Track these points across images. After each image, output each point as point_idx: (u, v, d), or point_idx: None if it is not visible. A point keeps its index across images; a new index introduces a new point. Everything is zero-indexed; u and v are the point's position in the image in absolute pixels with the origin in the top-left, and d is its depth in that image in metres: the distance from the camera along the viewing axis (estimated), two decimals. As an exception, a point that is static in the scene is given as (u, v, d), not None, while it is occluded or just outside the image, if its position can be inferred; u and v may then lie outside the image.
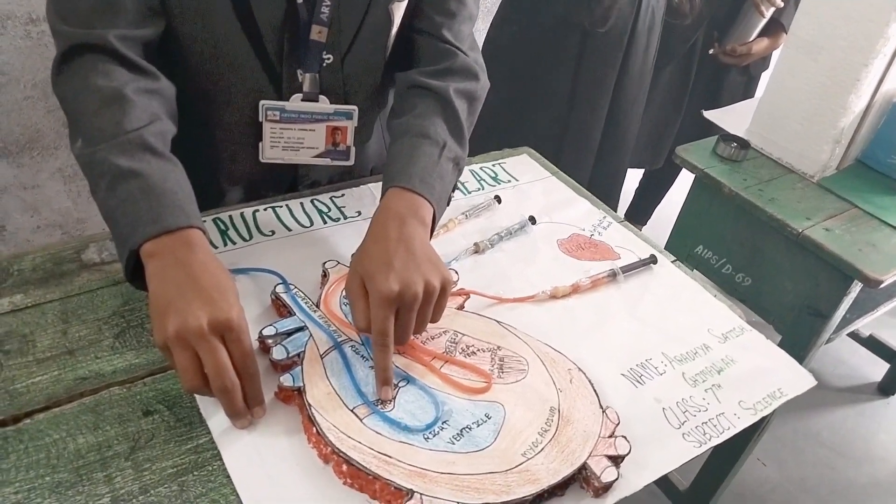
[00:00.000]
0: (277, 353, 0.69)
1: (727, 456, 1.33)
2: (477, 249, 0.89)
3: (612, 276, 0.88)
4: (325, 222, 0.91)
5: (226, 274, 0.65)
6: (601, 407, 0.69)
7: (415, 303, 0.66)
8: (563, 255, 0.92)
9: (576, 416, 0.68)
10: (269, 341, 0.71)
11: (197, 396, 0.66)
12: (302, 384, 0.66)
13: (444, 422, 0.65)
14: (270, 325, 0.72)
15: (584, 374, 0.73)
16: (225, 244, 0.85)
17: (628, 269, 0.89)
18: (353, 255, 0.72)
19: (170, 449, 0.62)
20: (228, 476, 0.61)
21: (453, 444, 0.63)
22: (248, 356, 0.62)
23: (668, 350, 0.80)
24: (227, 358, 0.60)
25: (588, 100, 1.58)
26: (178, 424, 0.64)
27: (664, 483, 1.46)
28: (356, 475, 0.60)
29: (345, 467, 0.61)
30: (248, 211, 0.90)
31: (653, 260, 0.91)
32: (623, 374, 0.76)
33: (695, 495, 1.41)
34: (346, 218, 0.92)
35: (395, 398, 0.67)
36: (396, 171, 0.76)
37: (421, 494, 0.59)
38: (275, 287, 0.77)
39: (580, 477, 0.63)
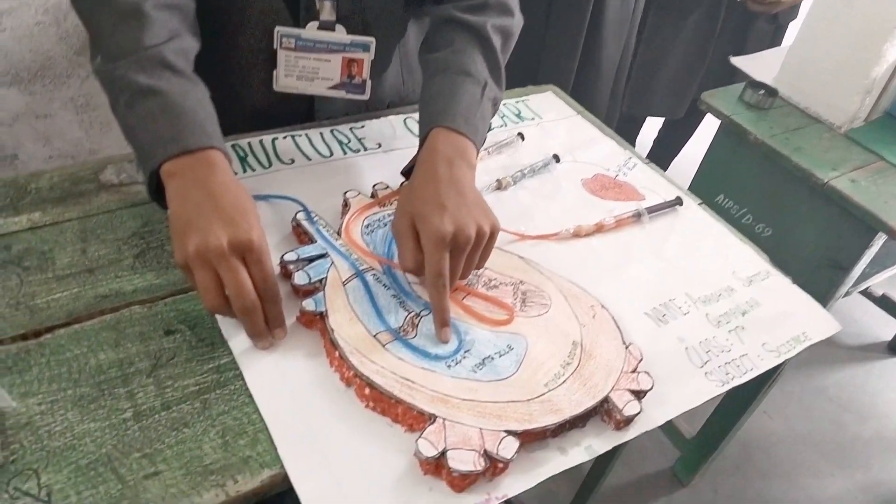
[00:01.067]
0: (299, 279, 0.68)
1: (734, 407, 1.34)
2: (499, 186, 0.88)
3: (637, 216, 0.86)
4: (344, 153, 0.89)
5: (247, 196, 0.64)
6: (624, 343, 0.69)
7: (467, 246, 0.65)
8: (587, 194, 0.90)
9: (598, 350, 0.67)
10: (291, 266, 0.70)
11: (218, 318, 0.66)
12: (324, 309, 0.66)
13: (467, 351, 0.65)
14: (292, 250, 0.71)
15: (608, 310, 0.72)
16: (244, 171, 0.84)
17: (653, 209, 0.88)
18: (400, 192, 0.69)
19: (192, 367, 0.62)
20: (250, 395, 0.60)
21: (475, 372, 0.63)
22: (268, 277, 0.61)
23: (692, 291, 0.79)
24: (247, 278, 0.59)
25: (559, 41, 1.55)
26: (200, 344, 0.64)
27: (671, 431, 1.47)
28: (378, 399, 0.60)
29: (367, 391, 0.61)
30: (267, 138, 0.88)
31: (678, 201, 0.90)
32: (646, 314, 0.75)
33: (701, 444, 1.41)
34: (366, 150, 0.90)
35: (416, 326, 0.67)
36: (439, 111, 0.74)
37: (443, 419, 0.58)
38: (296, 214, 0.76)
39: (602, 409, 0.63)
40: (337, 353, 0.63)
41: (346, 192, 0.79)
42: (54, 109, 1.66)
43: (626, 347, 0.68)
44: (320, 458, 0.56)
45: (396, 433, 0.60)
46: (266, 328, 0.62)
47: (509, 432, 0.58)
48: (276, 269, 0.71)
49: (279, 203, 0.79)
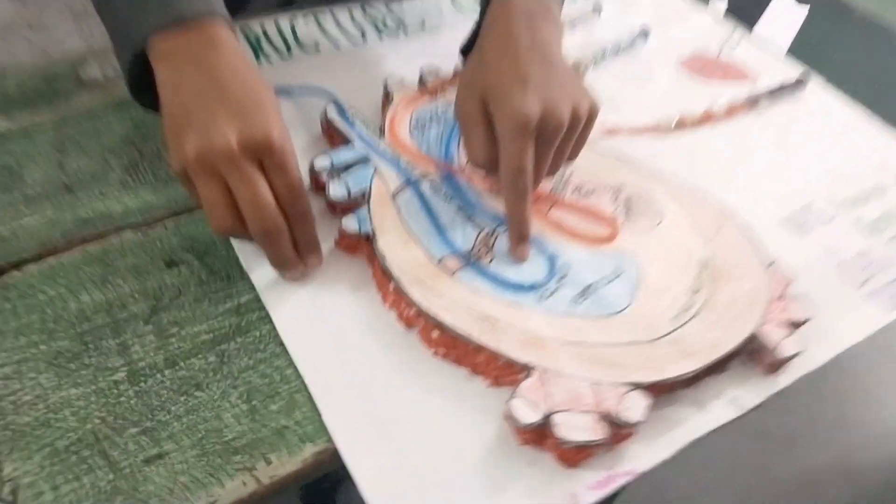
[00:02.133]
0: (336, 191, 0.52)
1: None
2: (577, 68, 0.70)
3: (753, 101, 0.68)
4: (380, 36, 0.71)
5: (261, 80, 0.48)
6: (764, 261, 0.52)
7: (558, 133, 0.48)
8: (687, 75, 0.72)
9: (733, 272, 0.51)
10: (324, 176, 0.54)
11: (235, 244, 0.51)
12: (371, 229, 0.50)
13: (562, 277, 0.49)
14: (323, 153, 0.54)
15: (737, 220, 0.55)
16: (259, 61, 0.66)
17: (773, 92, 0.69)
18: (462, 66, 0.52)
19: (203, 309, 0.47)
20: (282, 344, 0.45)
21: (577, 305, 0.47)
22: (295, 186, 0.45)
23: (834, 191, 0.62)
24: (267, 189, 0.44)
25: None
26: (213, 279, 0.49)
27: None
28: (452, 344, 0.45)
29: (436, 334, 0.45)
30: (284, 21, 0.71)
31: (802, 83, 0.71)
32: (782, 222, 0.58)
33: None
34: (406, 31, 0.72)
35: (492, 247, 0.51)
36: None
37: (542, 369, 0.43)
38: (325, 109, 0.59)
39: (747, 350, 0.47)
40: (391, 286, 0.47)
41: (387, 80, 0.62)
42: (49, 18, 1.49)
43: (769, 267, 0.51)
44: (379, 425, 0.42)
45: (478, 389, 0.45)
46: (295, 254, 0.47)
47: (633, 385, 0.43)
48: (305, 181, 0.55)
49: (303, 99, 0.62)
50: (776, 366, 0.47)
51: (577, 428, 0.41)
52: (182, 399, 0.42)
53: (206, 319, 0.47)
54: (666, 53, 0.75)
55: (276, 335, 0.46)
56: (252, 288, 0.48)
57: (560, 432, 0.40)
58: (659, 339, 0.46)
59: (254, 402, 0.43)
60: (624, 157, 0.60)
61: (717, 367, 0.46)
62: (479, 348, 0.44)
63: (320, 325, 0.47)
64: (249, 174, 0.43)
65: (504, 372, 0.44)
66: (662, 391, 0.45)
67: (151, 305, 0.47)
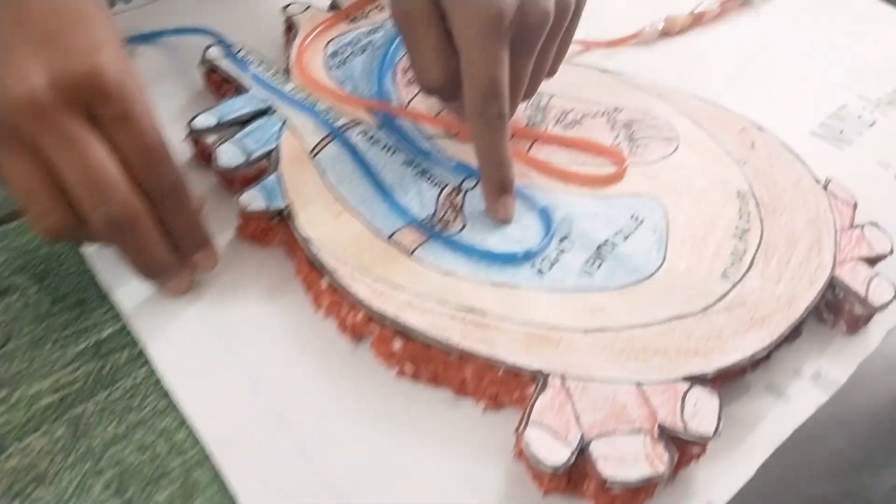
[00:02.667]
0: (228, 156, 0.37)
1: None
2: (527, -23, 0.55)
3: (747, -7, 0.55)
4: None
5: (90, 1, 0.32)
6: (818, 180, 0.39)
7: (542, 29, 0.33)
8: (659, -26, 0.58)
9: (783, 200, 0.38)
10: (210, 139, 0.38)
11: (87, 251, 0.35)
12: (285, 204, 0.35)
13: (563, 238, 0.35)
14: (205, 111, 0.39)
15: (768, 133, 0.42)
16: (112, 4, 0.50)
17: (769, -20, 0.56)
18: None
19: (44, 357, 0.31)
20: (167, 395, 0.30)
21: (590, 274, 0.33)
22: (152, 144, 0.29)
23: (866, 90, 0.49)
24: (105, 153, 0.28)
25: None
26: (57, 309, 0.33)
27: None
28: (424, 356, 0.30)
29: (397, 344, 0.31)
30: (142, -47, 0.54)
31: (799, -35, 0.58)
32: (814, 133, 0.46)
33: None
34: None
35: (461, 208, 0.36)
36: None
37: (560, 375, 0.29)
38: (205, 51, 0.43)
39: (823, 304, 0.34)
40: (324, 283, 0.32)
41: (286, 7, 0.46)
42: None
43: (824, 187, 0.38)
44: (330, 500, 0.27)
45: (470, 418, 0.30)
46: (172, 253, 0.31)
47: (692, 379, 0.29)
48: (186, 150, 0.40)
49: (174, 44, 0.46)
50: (862, 319, 0.34)
51: (627, 458, 0.27)
52: (16, 503, 0.27)
53: (51, 371, 0.31)
54: (629, -49, 0.61)
55: (157, 382, 0.31)
56: (117, 315, 0.33)
57: (604, 469, 0.26)
58: (713, 305, 0.32)
59: (130, 493, 0.27)
60: (614, 71, 0.45)
61: (792, 333, 0.33)
62: (465, 356, 0.30)
63: (223, 356, 0.31)
64: (74, 133, 0.27)
65: (505, 387, 0.30)
66: (728, 379, 0.31)
67: (-35, 360, 0.31)
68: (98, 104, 0.28)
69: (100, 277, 0.34)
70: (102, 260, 0.34)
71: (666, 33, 0.51)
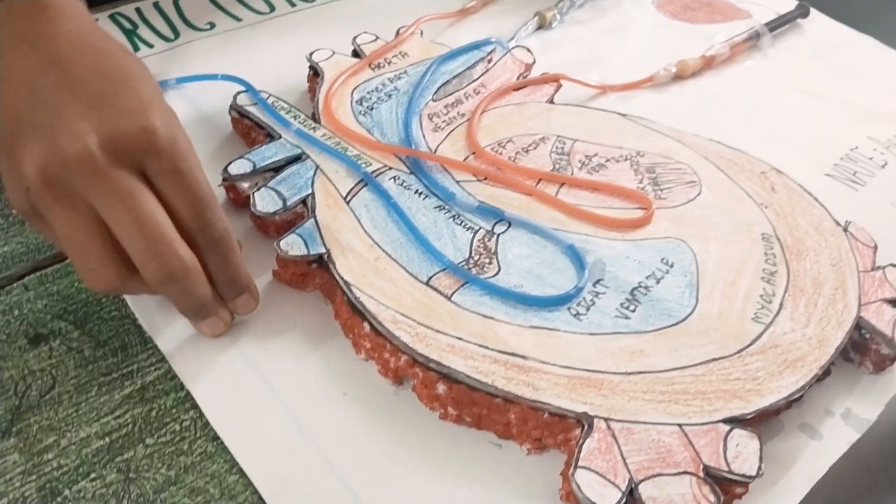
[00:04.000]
0: (265, 203, 0.37)
1: None
2: (542, 22, 0.57)
3: (755, 37, 0.57)
4: (293, 4, 0.57)
5: (127, 53, 0.33)
6: (838, 223, 0.40)
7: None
8: (669, 19, 0.60)
9: (807, 242, 0.39)
10: (244, 185, 0.39)
11: (129, 297, 0.35)
12: (324, 248, 0.35)
13: (598, 281, 0.36)
14: (240, 157, 0.40)
15: (787, 175, 0.43)
16: (136, 49, 0.51)
17: (775, 25, 0.58)
18: None
19: (91, 402, 0.32)
20: (216, 438, 0.30)
21: (627, 318, 0.34)
22: (202, 197, 0.30)
23: (875, 131, 0.51)
24: (159, 209, 0.29)
25: None
26: (101, 354, 0.33)
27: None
28: (467, 400, 0.31)
29: (441, 388, 0.31)
30: (165, 0, 0.55)
31: (803, 12, 0.60)
32: (828, 174, 0.47)
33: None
34: (326, -3, 0.58)
35: (494, 251, 0.37)
36: None
37: (605, 419, 0.30)
38: (234, 98, 0.44)
39: (850, 344, 0.35)
40: (366, 327, 0.33)
41: (311, 55, 0.47)
42: None
43: (845, 230, 0.40)
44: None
45: (514, 460, 0.31)
46: (216, 296, 0.32)
47: (731, 422, 0.30)
48: (220, 196, 0.40)
49: (199, 90, 0.47)
50: (889, 360, 0.35)
51: (675, 499, 0.27)
52: (68, 553, 0.27)
53: (98, 417, 0.31)
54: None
55: (206, 424, 0.31)
56: (161, 358, 0.33)
57: (655, 512, 0.27)
58: (747, 348, 0.33)
59: (184, 541, 0.27)
60: (632, 115, 0.47)
61: (822, 374, 0.34)
62: (510, 400, 0.30)
63: (268, 399, 0.32)
64: (127, 189, 0.28)
65: (550, 430, 0.30)
66: (763, 420, 0.32)
67: (11, 406, 0.31)
68: (150, 161, 0.29)
69: (142, 319, 0.34)
70: (143, 304, 0.35)
71: (679, 76, 0.53)
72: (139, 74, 0.31)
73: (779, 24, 0.58)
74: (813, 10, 0.61)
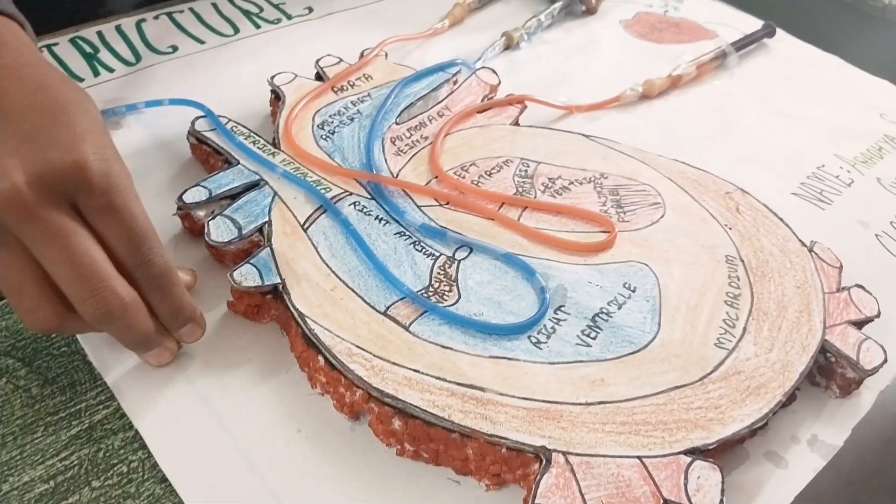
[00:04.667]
0: (220, 232, 0.36)
1: None
2: (509, 42, 0.56)
3: (721, 56, 0.57)
4: (257, 26, 0.56)
5: (66, 83, 0.32)
6: (803, 243, 0.40)
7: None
8: (636, 39, 0.60)
9: (770, 264, 0.38)
10: (200, 213, 0.38)
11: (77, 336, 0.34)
12: (279, 278, 0.35)
13: (560, 308, 0.35)
14: (196, 185, 0.39)
15: (752, 196, 0.43)
16: (96, 74, 0.50)
17: (742, 44, 0.58)
18: None
19: (36, 444, 0.30)
20: (165, 479, 0.29)
21: (588, 345, 0.33)
22: (139, 233, 0.29)
23: (841, 150, 0.51)
24: (94, 246, 0.28)
25: None
26: (48, 392, 0.32)
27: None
28: (424, 435, 0.30)
29: (397, 423, 0.30)
30: (128, 22, 0.54)
31: (770, 31, 0.61)
32: (794, 193, 0.47)
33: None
34: (289, 17, 0.57)
35: (454, 279, 0.36)
36: None
37: (563, 452, 0.29)
38: (193, 123, 0.43)
39: (815, 368, 0.35)
40: (320, 360, 0.32)
41: (272, 78, 0.47)
42: None
43: (810, 250, 0.39)
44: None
45: (473, 494, 0.30)
46: (158, 326, 0.31)
47: (692, 452, 0.29)
48: (172, 227, 0.39)
49: (160, 114, 0.46)
50: (855, 383, 0.35)
51: (635, 537, 0.27)
52: None
53: (43, 459, 0.30)
54: (605, 17, 0.63)
55: (154, 465, 0.30)
56: (110, 395, 0.32)
57: (614, 550, 0.26)
58: (709, 374, 0.33)
59: (126, 590, 0.26)
60: (595, 136, 0.46)
61: (787, 399, 0.33)
62: (467, 435, 0.30)
63: (220, 437, 0.31)
64: (59, 227, 0.27)
65: (508, 465, 0.30)
66: (727, 449, 0.32)
67: (-51, 450, 0.30)
68: (82, 196, 0.28)
69: (91, 357, 0.33)
70: (92, 339, 0.34)
71: (645, 96, 0.53)
72: (77, 106, 0.30)
73: (745, 44, 0.58)
74: (779, 31, 0.61)
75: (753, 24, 0.62)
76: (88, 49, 0.52)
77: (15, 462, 0.30)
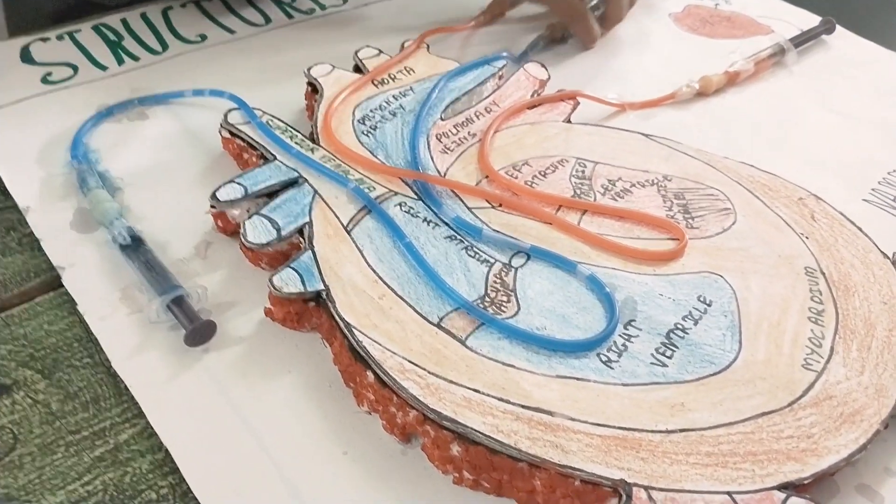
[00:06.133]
0: (258, 233, 0.34)
1: None
2: (553, 35, 0.53)
3: (780, 53, 0.54)
4: (290, 16, 0.53)
5: None
6: (885, 254, 0.37)
7: None
8: (687, 33, 0.57)
9: (853, 276, 0.35)
10: (234, 212, 0.35)
11: (100, 336, 0.31)
12: (322, 285, 0.32)
13: (630, 322, 0.32)
14: (231, 181, 0.36)
15: (826, 202, 0.40)
16: (120, 63, 0.47)
17: (800, 41, 0.55)
18: None
19: (56, 466, 0.28)
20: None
21: (664, 364, 0.30)
22: None
23: (913, 154, 0.47)
24: None
25: None
26: (69, 408, 0.29)
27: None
28: (486, 463, 0.27)
29: (455, 449, 0.27)
30: (154, 10, 0.52)
31: (829, 27, 0.57)
32: (866, 200, 0.43)
33: None
34: (323, 8, 0.54)
35: (514, 288, 0.33)
36: None
37: (646, 489, 0.26)
38: (225, 116, 0.40)
39: (906, 392, 0.32)
40: (369, 376, 0.29)
41: (309, 70, 0.44)
42: None
43: (893, 262, 0.36)
44: None
45: (541, 533, 0.27)
46: None
47: (785, 487, 0.26)
48: (207, 223, 0.37)
49: (189, 109, 0.44)
50: (952, 409, 0.32)
51: (730, 585, 0.24)
52: None
53: (64, 483, 0.27)
54: (654, 10, 0.59)
55: (187, 493, 0.27)
56: (138, 412, 0.29)
57: None
58: (799, 399, 0.29)
59: None
60: (655, 136, 0.43)
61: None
62: (535, 465, 0.27)
63: (258, 459, 0.28)
64: None
65: (582, 499, 0.26)
66: (818, 483, 0.28)
67: (-37, 470, 0.27)
68: None
69: (116, 368, 0.31)
70: (118, 349, 0.31)
71: (702, 93, 0.50)
72: None
73: (804, 40, 0.55)
74: (838, 27, 0.57)
75: (808, 19, 0.59)
76: (112, 37, 0.49)
77: (33, 486, 0.27)
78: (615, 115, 0.47)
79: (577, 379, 0.29)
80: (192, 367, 0.31)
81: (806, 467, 0.27)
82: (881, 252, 0.37)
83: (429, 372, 0.29)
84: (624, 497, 0.26)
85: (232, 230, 0.36)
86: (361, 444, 0.29)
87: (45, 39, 0.48)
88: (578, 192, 0.38)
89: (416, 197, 0.37)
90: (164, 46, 0.48)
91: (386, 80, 0.44)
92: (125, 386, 0.30)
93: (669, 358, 0.30)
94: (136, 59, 0.47)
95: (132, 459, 0.28)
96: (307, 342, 0.33)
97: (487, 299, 0.32)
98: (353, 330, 0.30)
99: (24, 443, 0.28)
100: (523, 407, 0.28)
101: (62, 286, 0.34)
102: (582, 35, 0.52)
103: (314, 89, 0.43)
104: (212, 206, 0.35)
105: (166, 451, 0.28)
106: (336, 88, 0.43)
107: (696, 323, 0.32)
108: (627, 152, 0.41)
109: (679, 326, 0.32)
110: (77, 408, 0.29)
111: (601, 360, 0.30)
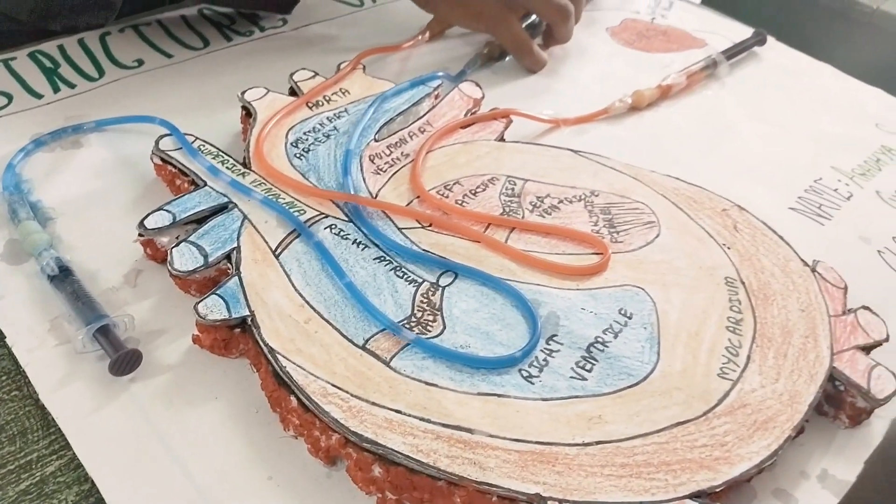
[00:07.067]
0: (182, 259, 0.34)
1: None
2: (491, 53, 0.54)
3: (712, 65, 0.55)
4: (229, 39, 0.53)
5: None
6: (805, 262, 0.38)
7: None
8: (623, 48, 0.58)
9: (772, 286, 0.36)
10: (163, 239, 0.35)
11: (26, 364, 0.31)
12: (248, 311, 0.32)
13: (552, 337, 0.33)
14: (159, 209, 0.36)
15: (749, 212, 0.41)
16: (56, 90, 0.47)
17: (732, 53, 0.56)
18: None
19: (-27, 502, 0.27)
20: (117, 543, 0.27)
21: (583, 378, 0.31)
22: None
23: (838, 162, 0.49)
24: None
25: None
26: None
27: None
28: (407, 483, 0.28)
29: (377, 470, 0.28)
30: (91, 36, 0.52)
31: (760, 39, 0.59)
32: (792, 208, 0.45)
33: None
34: (262, 30, 0.55)
35: (440, 307, 0.34)
36: None
37: (561, 501, 0.26)
38: (157, 142, 0.40)
39: (823, 398, 0.33)
40: (293, 401, 0.29)
41: (243, 93, 0.44)
42: None
43: (813, 270, 0.37)
44: None
45: (461, 549, 0.27)
46: None
47: (698, 496, 0.27)
48: (136, 251, 0.37)
49: (122, 135, 0.44)
50: (865, 413, 0.33)
51: None
52: None
53: (-19, 517, 0.27)
54: (591, 25, 0.61)
55: (107, 521, 0.27)
56: (64, 444, 0.29)
57: None
58: (714, 408, 0.30)
59: None
60: (584, 152, 0.44)
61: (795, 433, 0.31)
62: (454, 483, 0.27)
63: (184, 487, 0.28)
64: None
65: (500, 514, 0.27)
66: (734, 489, 0.29)
67: None
68: None
69: (44, 400, 0.30)
70: (46, 380, 0.31)
71: (635, 107, 0.51)
72: None
73: (736, 52, 0.56)
74: (770, 39, 0.59)
75: (742, 31, 0.61)
76: (49, 63, 0.49)
77: (-47, 522, 0.27)
78: (549, 132, 0.48)
79: (499, 395, 0.30)
80: (119, 396, 0.31)
81: (718, 475, 0.28)
82: (801, 260, 0.38)
83: (352, 395, 0.29)
84: (538, 510, 0.26)
85: (162, 257, 0.36)
86: (287, 468, 0.29)
87: (-21, 68, 0.48)
88: (507, 209, 0.39)
89: (346, 219, 0.37)
90: (101, 73, 0.48)
91: (321, 103, 0.45)
92: (52, 418, 0.30)
93: (589, 371, 0.31)
94: (72, 86, 0.47)
95: (58, 492, 0.28)
96: (235, 368, 0.33)
97: (414, 319, 0.33)
98: (277, 355, 0.30)
99: (-56, 480, 0.28)
100: (443, 426, 0.28)
101: (-9, 319, 0.34)
102: (528, 65, 0.53)
103: (248, 113, 0.44)
104: (140, 235, 0.35)
105: (92, 482, 0.28)
106: (270, 112, 0.43)
107: (616, 336, 0.33)
108: (557, 169, 0.42)
109: (599, 340, 0.32)
110: (3, 441, 0.29)
111: (522, 376, 0.31)
